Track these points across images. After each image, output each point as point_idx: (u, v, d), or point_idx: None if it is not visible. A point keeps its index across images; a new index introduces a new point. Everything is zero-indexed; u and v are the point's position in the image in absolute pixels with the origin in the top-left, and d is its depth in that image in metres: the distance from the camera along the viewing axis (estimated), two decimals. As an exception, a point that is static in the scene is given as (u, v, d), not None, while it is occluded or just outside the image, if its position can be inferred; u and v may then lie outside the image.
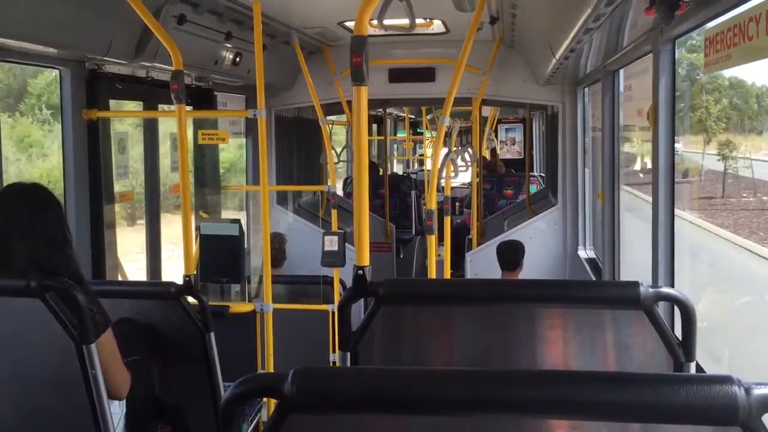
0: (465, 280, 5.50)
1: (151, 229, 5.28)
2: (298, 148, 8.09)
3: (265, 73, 4.12)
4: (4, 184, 3.39)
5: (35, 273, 2.47)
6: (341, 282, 5.24)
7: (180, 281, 3.54)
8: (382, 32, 5.73)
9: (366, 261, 2.43)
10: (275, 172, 7.33)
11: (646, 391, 1.19)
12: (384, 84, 7.03)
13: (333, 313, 5.00)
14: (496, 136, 15.35)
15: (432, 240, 4.39)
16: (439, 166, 4.53)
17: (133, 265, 5.57)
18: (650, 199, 3.60)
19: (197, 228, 4.48)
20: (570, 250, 6.97)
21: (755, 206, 5.30)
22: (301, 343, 5.06)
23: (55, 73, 4.32)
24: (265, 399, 3.77)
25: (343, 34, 6.24)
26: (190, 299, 3.36)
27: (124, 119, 5.19)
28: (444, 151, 4.82)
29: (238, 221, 4.47)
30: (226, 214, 6.97)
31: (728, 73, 4.62)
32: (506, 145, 16.46)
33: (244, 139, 7.01)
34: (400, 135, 16.38)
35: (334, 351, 5.03)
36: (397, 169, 16.41)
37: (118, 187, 4.76)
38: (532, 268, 6.11)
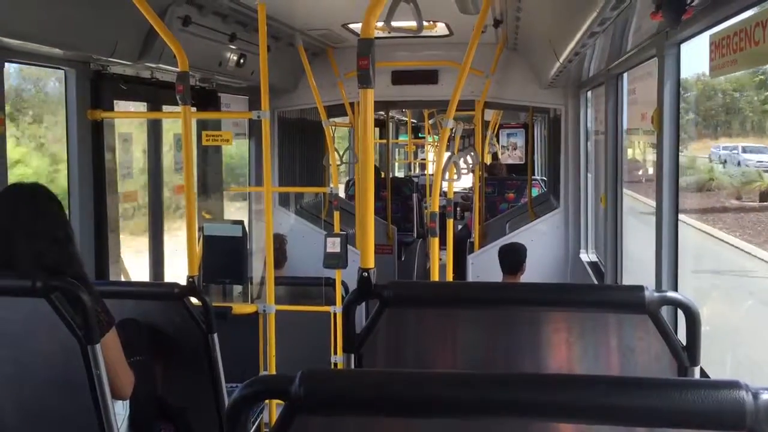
0: (469, 283, 5.50)
1: (153, 230, 5.28)
2: (300, 150, 8.10)
3: (269, 74, 4.13)
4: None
5: (40, 273, 2.48)
6: (343, 284, 5.25)
7: (183, 281, 3.55)
8: (386, 34, 5.74)
9: (371, 263, 2.43)
10: (278, 173, 7.34)
11: (653, 396, 1.19)
12: (387, 86, 7.03)
13: (334, 314, 5.01)
14: (498, 141, 15.34)
15: (434, 243, 4.39)
16: (442, 168, 4.54)
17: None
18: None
19: (200, 229, 4.49)
20: (572, 254, 6.97)
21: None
22: (303, 345, 5.07)
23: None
24: (267, 401, 3.77)
25: (346, 36, 6.25)
26: (194, 300, 3.36)
27: (129, 120, 5.19)
28: (447, 153, 4.83)
29: (241, 222, 4.48)
30: (228, 215, 6.97)
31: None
32: (507, 150, 16.45)
33: (247, 140, 7.02)
34: (402, 139, 16.39)
35: (335, 352, 5.04)
36: (399, 173, 16.41)
37: (122, 188, 4.78)
38: (533, 271, 6.10)
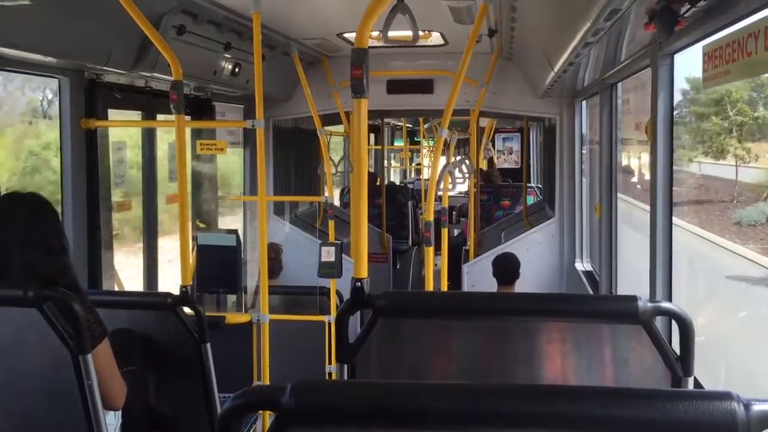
0: (464, 293, 5.50)
1: (148, 240, 5.27)
2: (295, 159, 8.10)
3: (264, 83, 4.13)
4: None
5: (32, 282, 2.46)
6: (338, 293, 5.24)
7: (176, 291, 3.54)
8: (381, 44, 5.74)
9: (364, 273, 2.43)
10: (273, 182, 7.34)
11: (645, 407, 1.19)
12: (382, 95, 7.04)
13: (329, 324, 4.99)
14: (494, 146, 15.37)
15: (429, 251, 4.39)
16: (437, 177, 4.54)
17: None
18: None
19: (194, 238, 4.48)
20: (567, 263, 6.97)
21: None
22: (298, 354, 5.05)
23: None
24: (261, 411, 3.75)
25: (342, 45, 6.26)
26: (187, 310, 3.35)
27: (123, 129, 5.19)
28: (442, 162, 4.83)
29: (235, 231, 4.48)
30: (223, 224, 6.97)
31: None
32: (503, 154, 16.48)
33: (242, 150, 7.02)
34: (398, 144, 16.40)
35: (330, 362, 5.02)
36: (394, 178, 16.41)
37: (115, 197, 4.77)
38: (528, 281, 6.11)
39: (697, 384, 2.39)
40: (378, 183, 9.58)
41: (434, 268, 4.41)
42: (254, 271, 5.21)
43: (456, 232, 9.73)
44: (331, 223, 5.68)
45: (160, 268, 5.35)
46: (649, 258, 3.57)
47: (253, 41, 4.09)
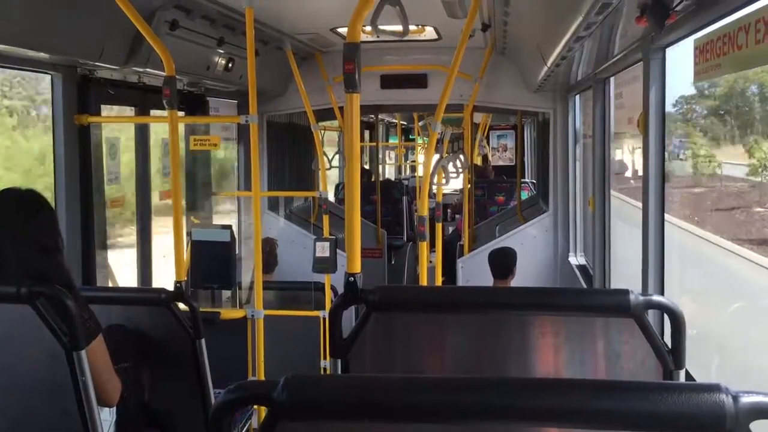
0: (457, 287, 5.52)
1: (141, 235, 5.26)
2: (289, 154, 8.09)
3: (258, 78, 4.12)
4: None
5: (26, 279, 2.46)
6: (332, 288, 5.25)
7: (170, 287, 3.54)
8: (375, 38, 5.74)
9: (357, 268, 2.43)
10: (267, 177, 7.33)
11: (633, 399, 1.20)
12: (376, 90, 7.04)
13: (324, 319, 5.00)
14: (488, 143, 15.38)
15: (423, 246, 4.40)
16: (430, 172, 4.54)
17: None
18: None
19: (188, 234, 4.47)
20: (561, 257, 6.99)
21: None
22: (292, 350, 5.06)
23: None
24: (255, 406, 3.76)
25: (335, 40, 6.25)
26: (181, 305, 3.35)
27: (116, 124, 5.16)
28: (436, 157, 4.83)
29: (229, 227, 4.47)
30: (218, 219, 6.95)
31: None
32: (498, 151, 16.50)
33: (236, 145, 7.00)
34: (392, 141, 16.40)
35: (325, 357, 5.03)
36: (389, 175, 16.40)
37: (109, 193, 4.75)
38: (523, 275, 6.12)
39: (689, 377, 2.40)
40: (373, 179, 9.58)
41: (429, 264, 4.42)
42: (249, 267, 5.21)
43: (450, 229, 9.75)
44: (326, 218, 5.68)
45: (155, 264, 5.34)
46: (642, 251, 3.59)
47: (246, 36, 4.08)
